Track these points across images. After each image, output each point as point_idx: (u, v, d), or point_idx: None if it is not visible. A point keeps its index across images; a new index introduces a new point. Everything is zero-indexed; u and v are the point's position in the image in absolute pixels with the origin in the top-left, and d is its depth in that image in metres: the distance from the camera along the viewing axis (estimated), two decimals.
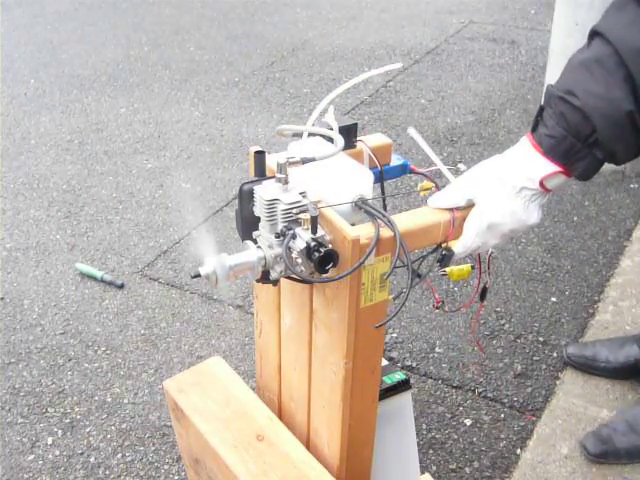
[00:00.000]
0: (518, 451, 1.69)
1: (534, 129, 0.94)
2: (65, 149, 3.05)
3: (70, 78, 3.72)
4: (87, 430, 1.78)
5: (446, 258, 0.98)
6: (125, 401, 1.85)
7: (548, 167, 0.92)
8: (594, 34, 0.92)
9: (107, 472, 1.67)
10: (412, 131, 1.07)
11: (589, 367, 1.85)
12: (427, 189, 1.02)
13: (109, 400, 1.86)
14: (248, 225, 0.93)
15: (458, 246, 0.97)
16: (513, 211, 0.95)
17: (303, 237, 0.86)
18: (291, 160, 0.89)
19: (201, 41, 4.19)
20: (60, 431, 1.78)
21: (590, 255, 2.34)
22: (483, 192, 0.95)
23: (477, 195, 0.96)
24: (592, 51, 0.91)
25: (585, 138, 0.90)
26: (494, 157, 0.98)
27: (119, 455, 1.71)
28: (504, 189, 0.94)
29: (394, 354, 1.96)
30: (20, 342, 2.04)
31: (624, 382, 1.82)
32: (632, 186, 2.70)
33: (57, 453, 1.72)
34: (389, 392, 1.22)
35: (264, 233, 0.91)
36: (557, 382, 1.86)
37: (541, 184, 0.93)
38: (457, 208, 0.98)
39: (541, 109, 0.94)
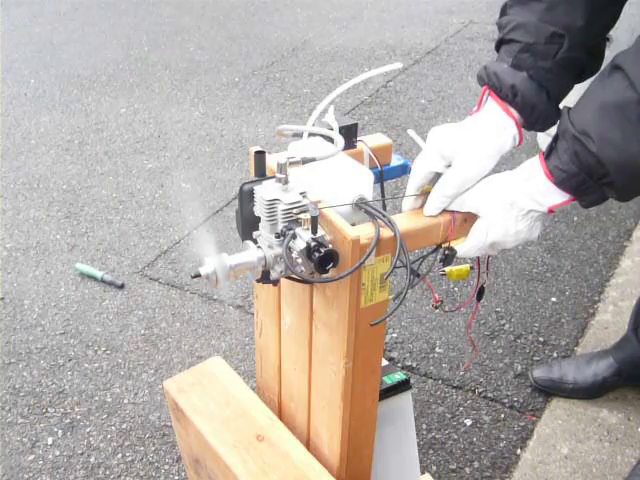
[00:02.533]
0: (518, 451, 1.69)
1: (548, 156, 0.94)
2: (65, 149, 3.05)
3: (70, 78, 3.72)
4: (87, 430, 1.78)
5: (449, 258, 0.99)
6: (125, 401, 1.85)
7: (559, 197, 0.94)
8: (617, 67, 0.88)
9: (107, 472, 1.67)
10: (412, 132, 1.08)
11: (557, 390, 1.79)
12: (428, 192, 1.02)
13: (109, 400, 1.86)
14: (248, 225, 0.93)
15: (459, 252, 1.00)
16: (518, 231, 0.97)
17: (303, 237, 0.86)
18: (291, 160, 0.89)
19: (201, 41, 4.19)
20: (60, 431, 1.78)
21: (590, 255, 2.34)
22: (491, 211, 0.96)
23: (484, 211, 0.97)
24: (613, 92, 0.87)
25: (598, 178, 0.90)
26: (505, 174, 0.98)
27: (119, 455, 1.71)
28: (512, 211, 0.96)
29: (394, 354, 1.96)
30: (20, 342, 2.04)
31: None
32: None
33: (57, 453, 1.72)
34: (389, 392, 1.22)
35: (264, 233, 0.91)
36: None
37: (549, 209, 0.96)
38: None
39: (556, 137, 0.94)
